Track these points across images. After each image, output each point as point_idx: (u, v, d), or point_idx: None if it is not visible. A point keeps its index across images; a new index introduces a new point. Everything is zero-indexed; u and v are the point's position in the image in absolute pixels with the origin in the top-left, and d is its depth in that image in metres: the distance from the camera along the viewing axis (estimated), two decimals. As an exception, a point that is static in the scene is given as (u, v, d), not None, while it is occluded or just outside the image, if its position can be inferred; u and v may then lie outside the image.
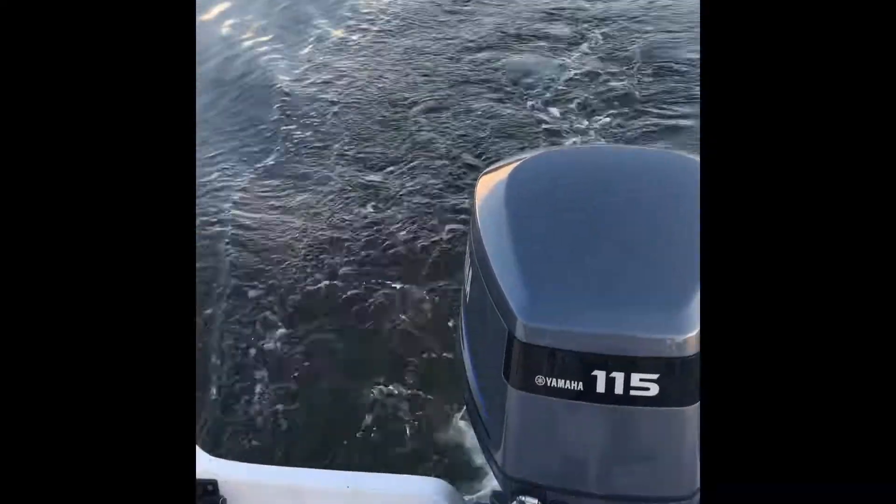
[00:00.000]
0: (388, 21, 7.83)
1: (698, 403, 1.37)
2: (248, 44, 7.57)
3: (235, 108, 6.24)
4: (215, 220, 4.58)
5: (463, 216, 4.11)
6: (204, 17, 8.17)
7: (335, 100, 6.13)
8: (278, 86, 6.50)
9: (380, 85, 6.36)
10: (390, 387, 3.26)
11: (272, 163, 5.26)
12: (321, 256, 4.12)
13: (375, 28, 7.68)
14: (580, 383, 1.36)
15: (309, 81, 6.53)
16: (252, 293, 3.75)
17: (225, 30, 7.99)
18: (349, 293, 3.80)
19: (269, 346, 3.55)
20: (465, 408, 1.71)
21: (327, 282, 3.91)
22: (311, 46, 7.37)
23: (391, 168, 4.95)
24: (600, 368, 1.35)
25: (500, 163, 1.87)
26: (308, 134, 5.53)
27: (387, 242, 4.15)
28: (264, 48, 7.40)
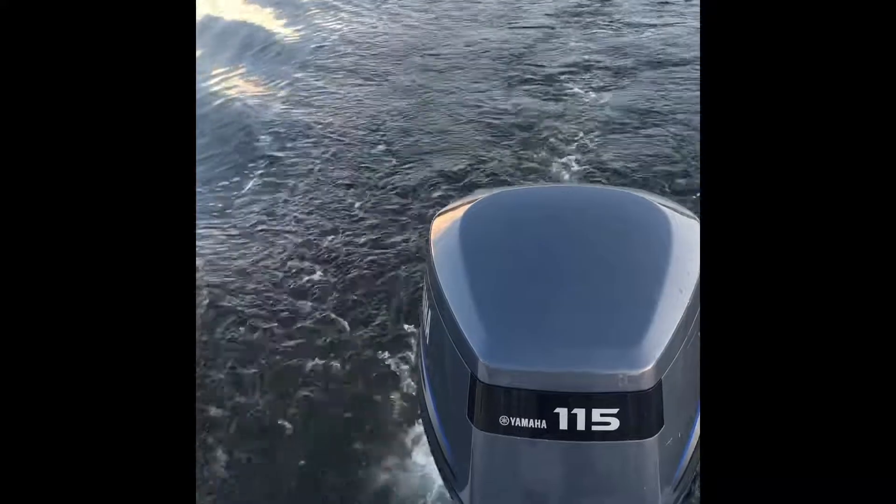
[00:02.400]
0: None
1: (657, 435, 1.41)
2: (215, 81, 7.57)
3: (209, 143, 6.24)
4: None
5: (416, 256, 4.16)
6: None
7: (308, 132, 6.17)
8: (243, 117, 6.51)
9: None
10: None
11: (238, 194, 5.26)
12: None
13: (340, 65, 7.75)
14: (543, 421, 1.39)
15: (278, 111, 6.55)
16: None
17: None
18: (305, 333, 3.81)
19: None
20: (423, 443, 1.70)
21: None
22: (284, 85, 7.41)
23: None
24: (561, 405, 1.39)
25: (454, 203, 1.92)
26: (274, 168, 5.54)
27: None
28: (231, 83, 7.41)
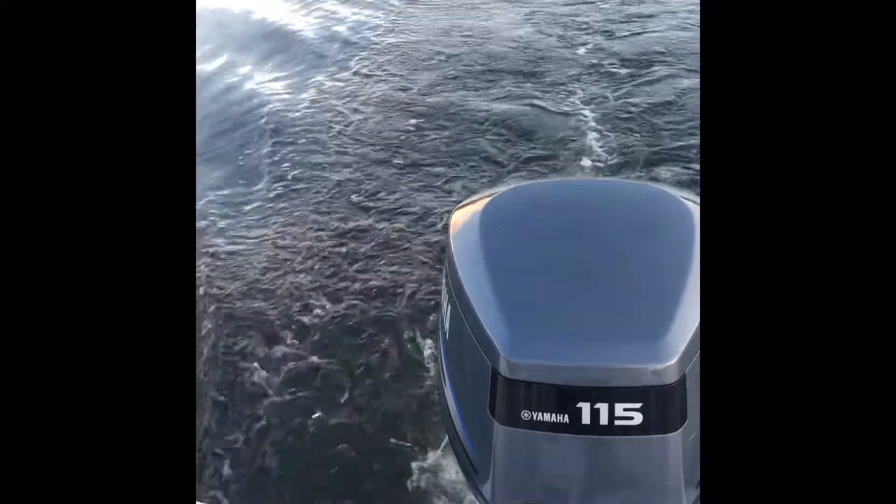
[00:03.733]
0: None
1: (681, 430, 1.39)
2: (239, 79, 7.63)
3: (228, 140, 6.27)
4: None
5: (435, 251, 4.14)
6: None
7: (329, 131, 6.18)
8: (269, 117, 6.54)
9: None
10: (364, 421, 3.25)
11: (260, 195, 5.27)
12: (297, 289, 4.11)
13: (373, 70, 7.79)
14: (565, 416, 1.38)
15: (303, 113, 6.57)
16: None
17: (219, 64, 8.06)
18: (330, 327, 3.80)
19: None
20: (444, 442, 1.71)
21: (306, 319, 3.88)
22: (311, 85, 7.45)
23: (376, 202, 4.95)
24: (584, 400, 1.37)
25: (474, 197, 1.88)
26: (297, 170, 5.54)
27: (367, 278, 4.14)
28: (261, 83, 7.47)
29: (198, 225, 4.70)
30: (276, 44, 8.62)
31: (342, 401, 3.37)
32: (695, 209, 1.72)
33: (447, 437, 1.62)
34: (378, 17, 9.09)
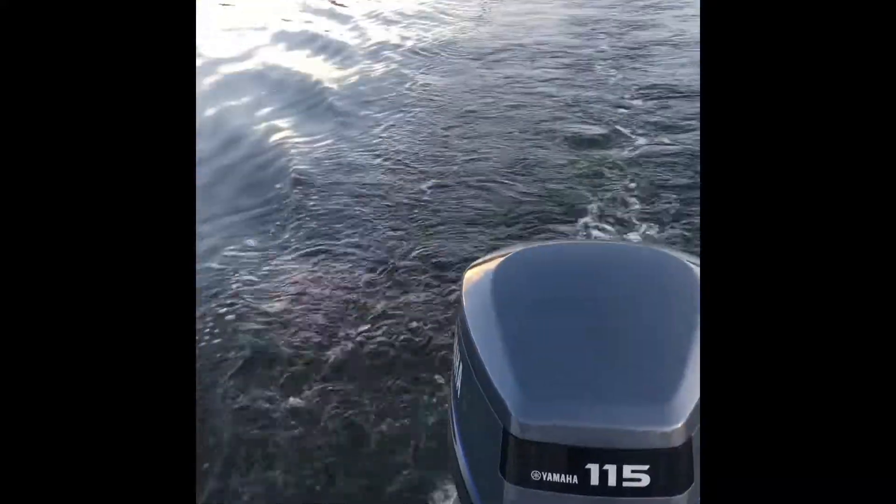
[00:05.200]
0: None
1: (687, 492, 1.40)
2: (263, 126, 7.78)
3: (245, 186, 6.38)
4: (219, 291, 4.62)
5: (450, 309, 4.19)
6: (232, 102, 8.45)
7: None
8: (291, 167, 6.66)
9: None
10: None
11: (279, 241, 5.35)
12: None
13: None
14: (575, 477, 1.39)
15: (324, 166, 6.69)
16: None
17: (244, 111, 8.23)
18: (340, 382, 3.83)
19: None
20: (454, 500, 1.71)
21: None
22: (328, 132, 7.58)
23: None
24: (594, 461, 1.39)
25: (487, 256, 1.92)
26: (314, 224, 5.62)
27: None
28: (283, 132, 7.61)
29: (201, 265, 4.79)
30: (304, 95, 8.79)
31: (351, 454, 3.37)
32: (700, 273, 1.74)
33: (457, 495, 1.64)
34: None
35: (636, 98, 8.04)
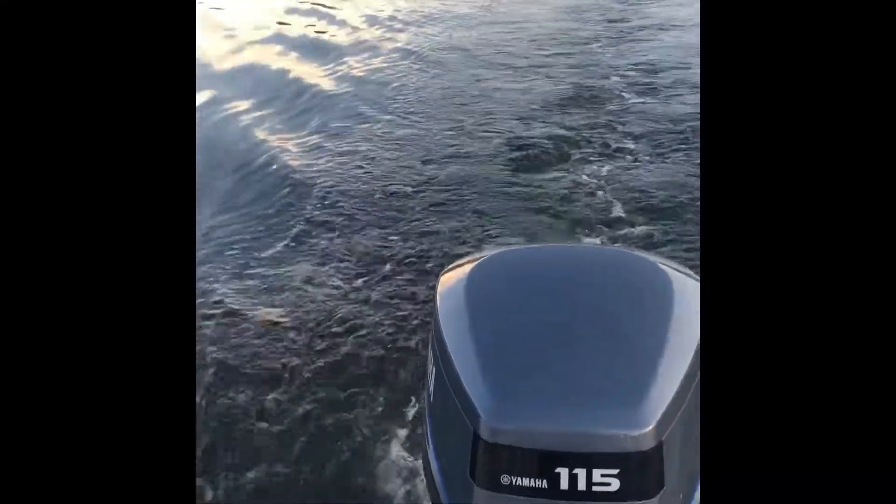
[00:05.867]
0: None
1: (658, 496, 1.40)
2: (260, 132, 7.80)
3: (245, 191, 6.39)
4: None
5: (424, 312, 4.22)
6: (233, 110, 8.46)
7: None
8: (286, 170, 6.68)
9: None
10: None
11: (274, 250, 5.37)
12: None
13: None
14: (544, 481, 1.39)
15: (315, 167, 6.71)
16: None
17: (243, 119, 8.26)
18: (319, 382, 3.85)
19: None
20: (425, 499, 1.72)
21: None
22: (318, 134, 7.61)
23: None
24: (563, 465, 1.38)
25: (461, 261, 1.93)
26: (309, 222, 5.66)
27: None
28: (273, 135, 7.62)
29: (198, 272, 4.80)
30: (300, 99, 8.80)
31: (323, 456, 3.38)
32: (672, 275, 1.77)
33: (430, 499, 1.63)
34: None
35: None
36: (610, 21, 11.74)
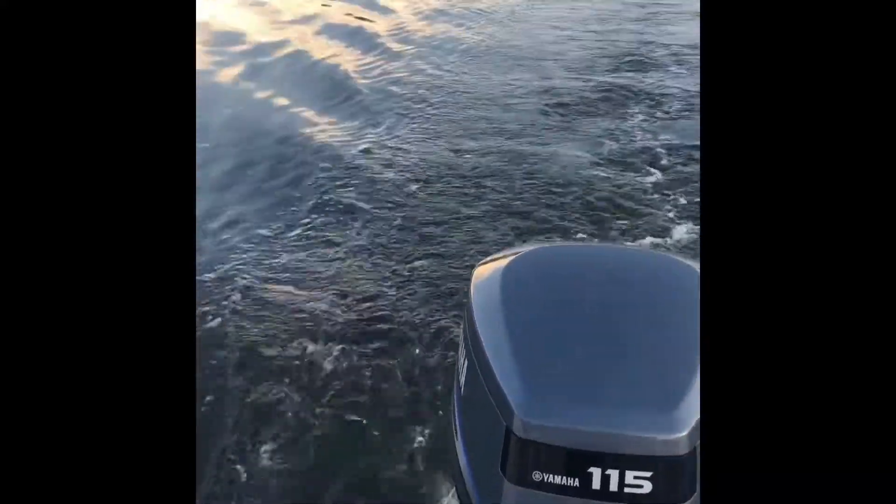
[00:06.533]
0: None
1: (689, 502, 1.40)
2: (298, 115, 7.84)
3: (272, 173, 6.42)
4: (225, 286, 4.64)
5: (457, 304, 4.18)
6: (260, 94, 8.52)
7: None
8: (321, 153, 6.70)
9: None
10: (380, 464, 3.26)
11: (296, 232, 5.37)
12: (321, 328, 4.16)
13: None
14: (576, 479, 1.39)
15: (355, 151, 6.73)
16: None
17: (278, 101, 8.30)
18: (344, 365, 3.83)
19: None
20: (452, 492, 1.72)
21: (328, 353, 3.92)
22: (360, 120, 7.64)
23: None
24: (596, 465, 1.38)
25: (496, 255, 1.92)
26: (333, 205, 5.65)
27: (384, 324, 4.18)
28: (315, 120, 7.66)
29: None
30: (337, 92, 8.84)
31: (350, 442, 3.37)
32: None
33: (455, 490, 1.64)
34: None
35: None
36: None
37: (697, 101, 7.08)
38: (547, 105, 7.94)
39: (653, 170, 6.46)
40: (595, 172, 6.39)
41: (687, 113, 7.80)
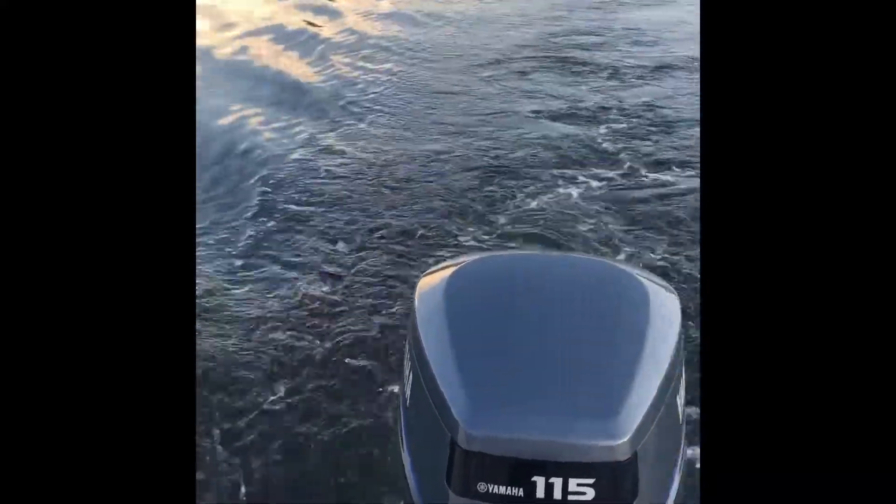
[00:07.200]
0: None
1: None
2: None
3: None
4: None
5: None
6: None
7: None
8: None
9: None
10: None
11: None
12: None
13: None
14: (520, 489, 1.39)
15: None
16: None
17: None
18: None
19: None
20: None
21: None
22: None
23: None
24: (539, 474, 1.39)
25: (441, 265, 1.92)
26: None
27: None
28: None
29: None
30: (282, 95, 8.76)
31: (297, 461, 3.36)
32: (650, 288, 1.77)
33: (402, 503, 1.63)
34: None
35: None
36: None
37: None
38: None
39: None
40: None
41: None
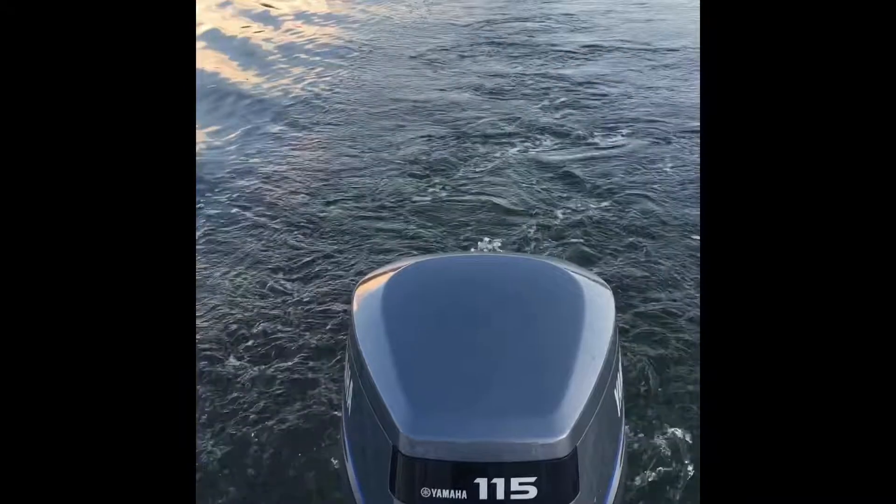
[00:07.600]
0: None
1: (573, 501, 1.43)
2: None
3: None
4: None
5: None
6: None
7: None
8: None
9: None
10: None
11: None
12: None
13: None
14: (464, 492, 1.41)
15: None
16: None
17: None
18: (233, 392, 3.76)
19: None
20: None
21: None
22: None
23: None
24: (481, 476, 1.41)
25: (377, 271, 1.93)
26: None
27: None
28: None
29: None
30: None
31: (238, 468, 3.31)
32: (584, 284, 1.79)
33: None
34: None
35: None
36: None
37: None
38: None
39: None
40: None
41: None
